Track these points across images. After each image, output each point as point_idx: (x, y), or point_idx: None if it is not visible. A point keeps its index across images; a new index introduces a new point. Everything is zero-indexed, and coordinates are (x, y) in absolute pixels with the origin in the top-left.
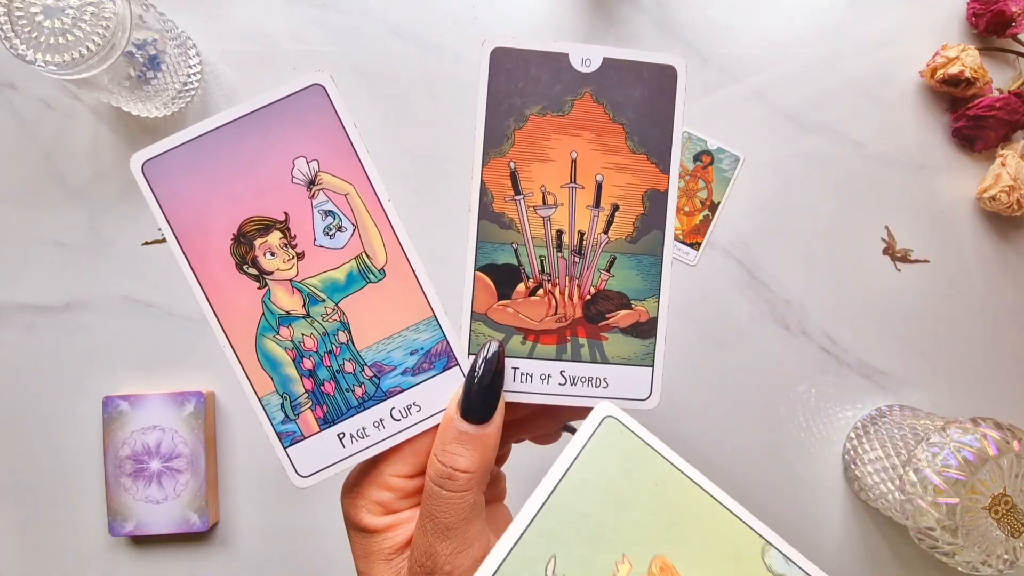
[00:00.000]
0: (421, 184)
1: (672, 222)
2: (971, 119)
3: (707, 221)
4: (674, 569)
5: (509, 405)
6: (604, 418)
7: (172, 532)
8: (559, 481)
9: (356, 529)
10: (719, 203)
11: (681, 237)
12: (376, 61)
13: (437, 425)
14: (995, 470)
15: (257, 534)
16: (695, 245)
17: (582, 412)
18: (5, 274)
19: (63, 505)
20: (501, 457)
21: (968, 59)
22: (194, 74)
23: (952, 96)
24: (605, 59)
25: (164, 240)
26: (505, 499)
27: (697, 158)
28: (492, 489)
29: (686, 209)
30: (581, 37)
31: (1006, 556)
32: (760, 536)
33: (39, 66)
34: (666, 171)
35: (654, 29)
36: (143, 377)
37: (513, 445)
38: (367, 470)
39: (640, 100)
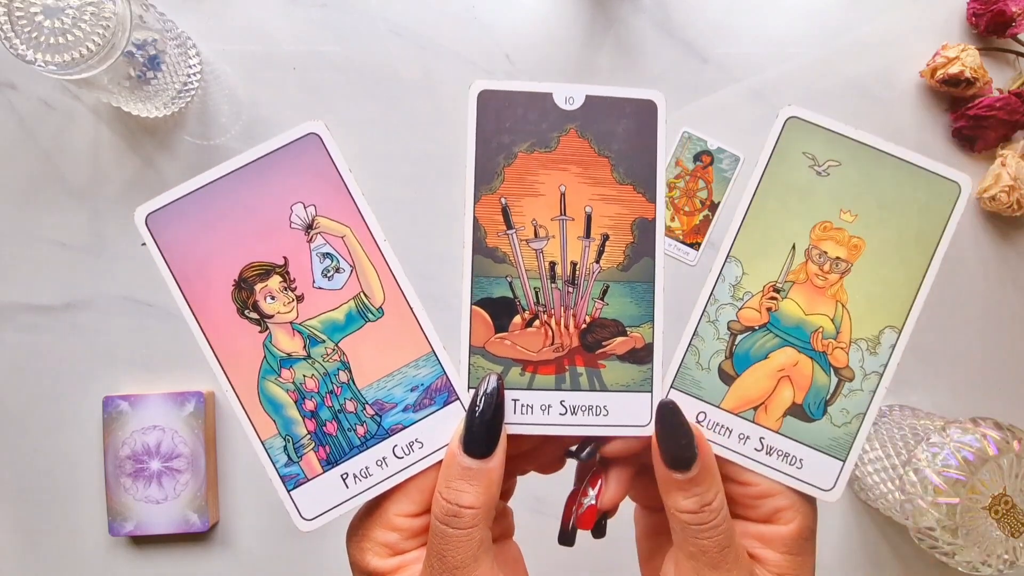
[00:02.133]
0: (420, 184)
1: (662, 249)
2: (971, 119)
3: (707, 221)
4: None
5: (512, 438)
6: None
7: (172, 532)
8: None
9: (363, 573)
10: (719, 203)
11: (681, 237)
12: (376, 61)
13: (440, 461)
14: (995, 470)
15: (257, 534)
16: (695, 245)
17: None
18: (5, 274)
19: (63, 505)
20: (506, 492)
21: (968, 59)
22: (194, 74)
23: (952, 96)
24: (587, 96)
25: None
26: (514, 535)
27: (697, 158)
28: (499, 525)
29: (686, 209)
30: (581, 37)
31: (1006, 556)
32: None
33: (39, 66)
34: (652, 200)
35: (654, 29)
36: (143, 377)
37: (518, 479)
38: (371, 511)
39: (623, 133)
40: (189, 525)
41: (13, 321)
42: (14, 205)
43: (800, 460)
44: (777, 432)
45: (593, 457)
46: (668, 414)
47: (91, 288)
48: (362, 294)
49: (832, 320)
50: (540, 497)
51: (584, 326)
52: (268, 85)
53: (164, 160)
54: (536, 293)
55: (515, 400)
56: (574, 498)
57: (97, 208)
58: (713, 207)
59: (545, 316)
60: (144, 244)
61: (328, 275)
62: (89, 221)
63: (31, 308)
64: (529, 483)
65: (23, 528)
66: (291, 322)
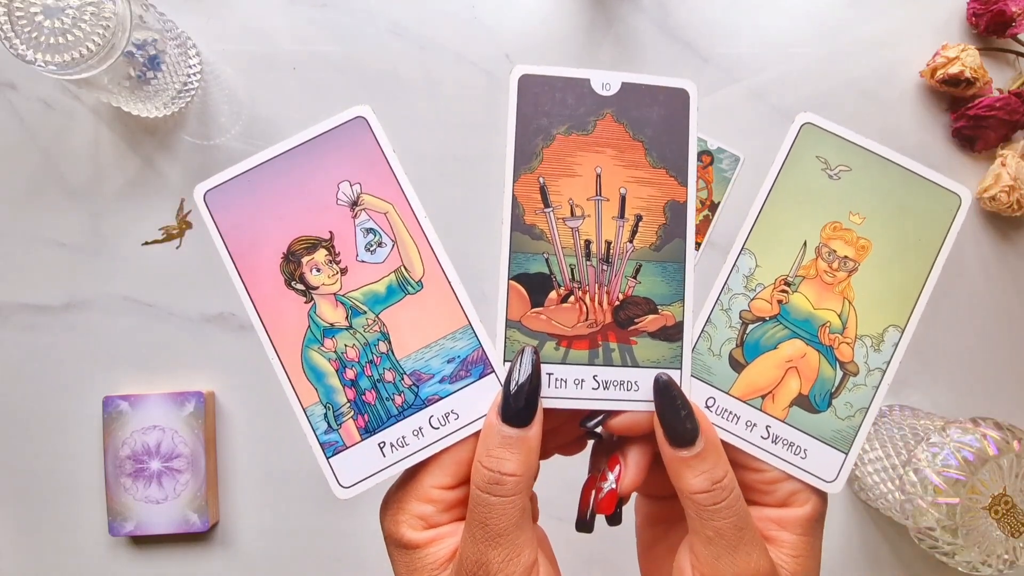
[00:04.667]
0: (421, 184)
1: (692, 231)
2: (971, 119)
3: (707, 221)
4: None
5: (546, 413)
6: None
7: (172, 532)
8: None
9: (398, 546)
10: (719, 203)
11: None
12: (376, 61)
13: (475, 433)
14: (995, 470)
15: (257, 534)
16: (695, 245)
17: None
18: (5, 274)
19: (63, 505)
20: None
21: (968, 59)
22: (194, 74)
23: (952, 96)
24: (623, 83)
25: (164, 240)
26: (539, 520)
27: (697, 158)
28: None
29: None
30: (581, 37)
31: (1006, 556)
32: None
33: (39, 66)
34: (684, 184)
35: (654, 29)
36: (143, 377)
37: (542, 464)
38: (406, 484)
39: (657, 119)
40: (189, 525)
41: (13, 321)
42: (14, 205)
43: (804, 450)
44: (783, 421)
45: (601, 425)
46: (664, 388)
47: (91, 288)
48: (403, 268)
49: (839, 316)
50: (546, 497)
51: (617, 303)
52: (268, 85)
53: (164, 160)
54: (571, 270)
55: (549, 374)
56: (592, 483)
57: (97, 208)
58: (713, 207)
59: (580, 292)
60: (146, 243)
61: (371, 249)
62: (89, 221)
63: (31, 308)
64: (536, 486)
65: (23, 528)
66: (335, 293)
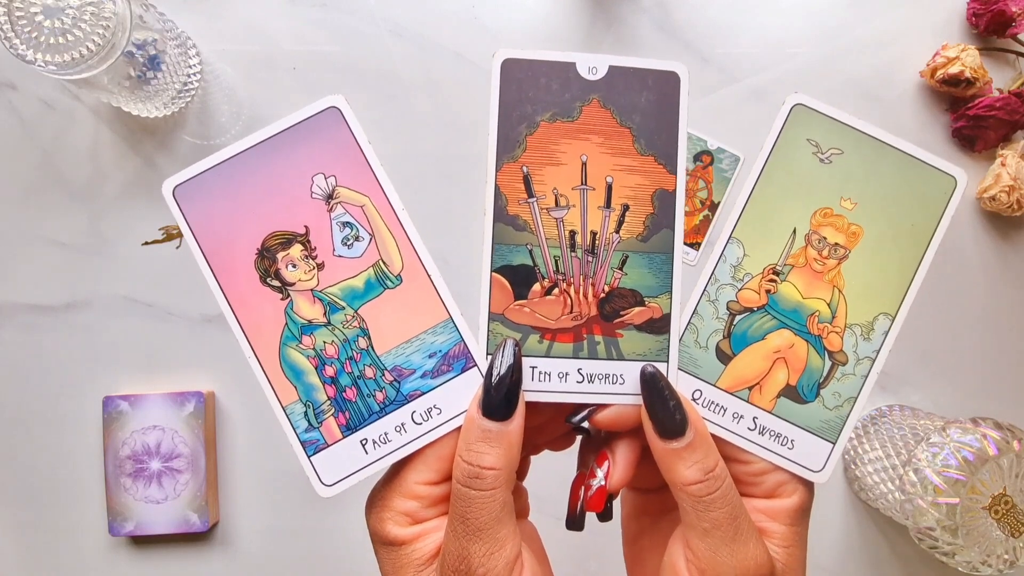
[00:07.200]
0: (421, 184)
1: (681, 221)
2: (971, 119)
3: (707, 221)
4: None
5: (529, 408)
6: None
7: (172, 532)
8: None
9: (383, 543)
10: (719, 203)
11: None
12: (376, 61)
13: (458, 428)
14: (995, 470)
15: (257, 534)
16: (695, 245)
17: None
18: (5, 274)
19: (63, 505)
20: (521, 471)
21: (968, 59)
22: (194, 74)
23: (952, 96)
24: (611, 67)
25: (164, 240)
26: (529, 515)
27: (697, 158)
28: (515, 504)
29: (686, 209)
30: (581, 37)
31: (1006, 556)
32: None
33: (39, 66)
34: (673, 172)
35: (654, 29)
36: (143, 377)
37: (534, 460)
38: (390, 480)
39: (646, 105)
40: (189, 525)
41: (13, 321)
42: (14, 205)
43: (792, 441)
44: (770, 412)
45: (586, 421)
46: (651, 380)
47: (91, 288)
48: (381, 262)
49: (828, 305)
50: (541, 496)
51: (603, 295)
52: (268, 85)
53: (164, 160)
54: (556, 261)
55: (533, 367)
56: (581, 480)
57: (97, 208)
58: (713, 207)
59: (564, 284)
60: (146, 243)
61: (348, 243)
62: (89, 221)
63: (31, 308)
64: (529, 483)
65: (23, 528)
66: (312, 289)
